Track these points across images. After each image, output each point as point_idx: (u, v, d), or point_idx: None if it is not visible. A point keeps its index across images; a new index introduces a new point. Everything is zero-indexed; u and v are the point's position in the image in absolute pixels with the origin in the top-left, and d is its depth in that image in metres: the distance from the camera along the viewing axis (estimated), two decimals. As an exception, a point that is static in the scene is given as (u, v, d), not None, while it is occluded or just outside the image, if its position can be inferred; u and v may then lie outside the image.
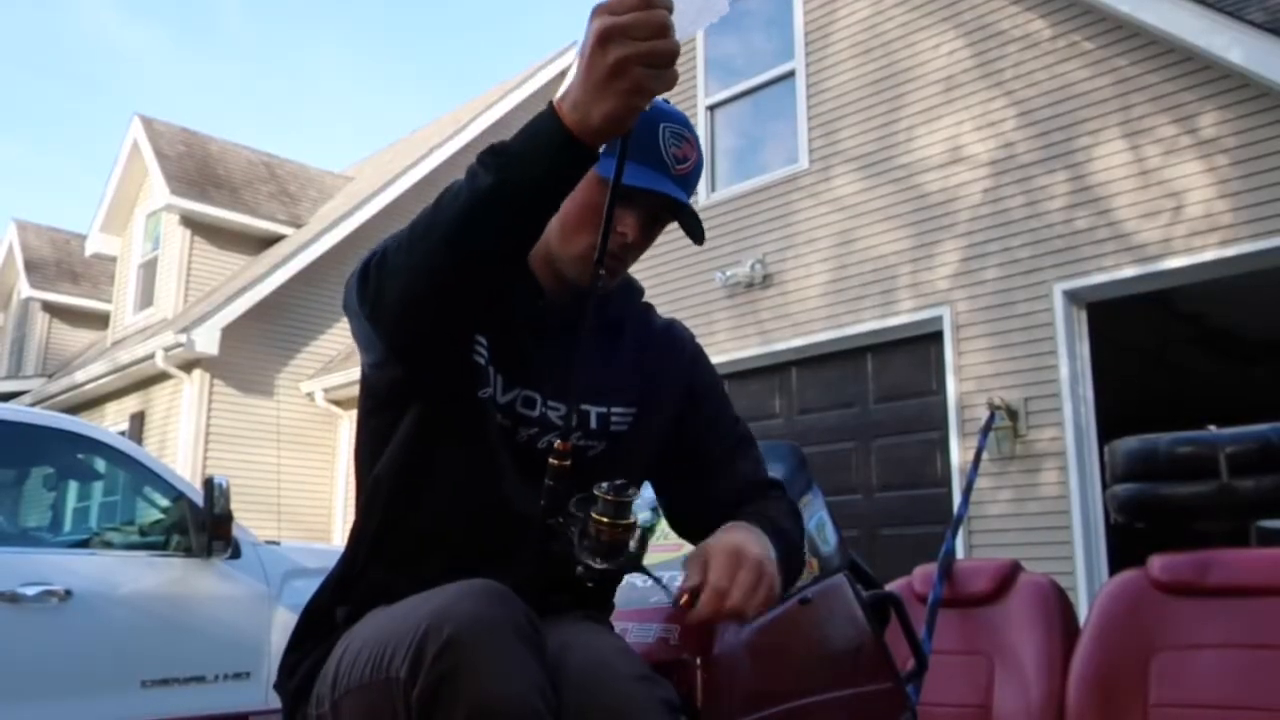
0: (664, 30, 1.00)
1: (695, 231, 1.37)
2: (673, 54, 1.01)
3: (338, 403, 10.88)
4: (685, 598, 1.17)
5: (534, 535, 1.17)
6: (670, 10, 1.01)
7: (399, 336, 1.21)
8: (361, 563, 1.38)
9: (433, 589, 1.16)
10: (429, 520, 1.34)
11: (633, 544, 1.14)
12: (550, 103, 1.08)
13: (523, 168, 1.08)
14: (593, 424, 1.39)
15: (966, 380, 6.01)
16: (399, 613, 1.17)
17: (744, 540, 1.24)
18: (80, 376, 11.60)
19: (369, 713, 1.15)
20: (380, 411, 1.37)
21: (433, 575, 1.21)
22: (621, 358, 1.45)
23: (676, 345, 1.54)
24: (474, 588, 1.12)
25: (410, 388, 1.32)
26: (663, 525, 1.63)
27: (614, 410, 1.42)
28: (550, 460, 1.15)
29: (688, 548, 1.46)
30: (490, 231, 1.10)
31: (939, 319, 6.21)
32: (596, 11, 1.01)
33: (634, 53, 0.99)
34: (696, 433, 1.49)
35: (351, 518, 1.47)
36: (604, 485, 1.12)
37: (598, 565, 1.12)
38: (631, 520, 1.13)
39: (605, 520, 1.11)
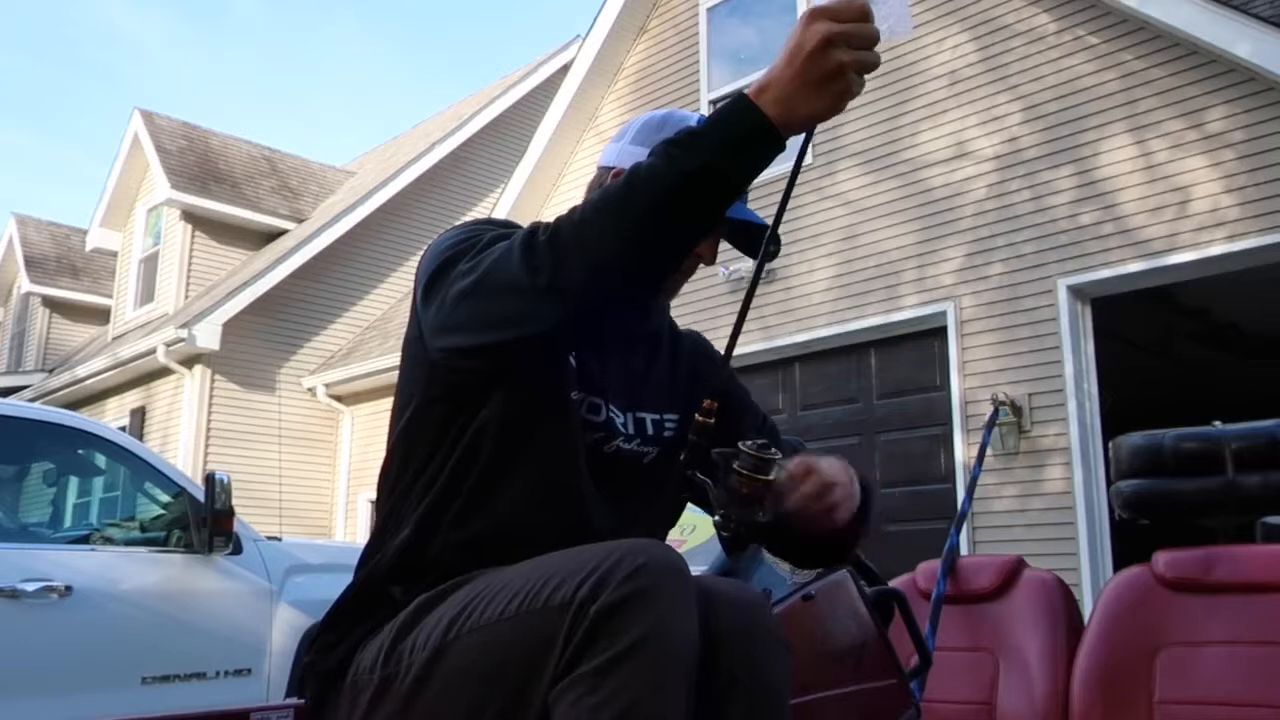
0: (875, 41, 1.10)
1: (755, 250, 1.39)
2: (876, 65, 1.11)
3: (339, 398, 10.86)
4: (791, 472, 1.25)
5: (607, 535, 1.18)
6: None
7: (579, 309, 1.19)
8: (431, 544, 1.35)
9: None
10: (508, 510, 1.33)
11: (763, 514, 1.22)
12: (744, 94, 1.13)
13: (728, 153, 1.12)
14: (649, 430, 1.44)
15: (971, 376, 6.00)
16: (559, 557, 1.17)
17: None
18: (81, 372, 11.61)
19: (498, 647, 1.14)
20: (447, 400, 1.35)
21: (510, 559, 1.23)
22: (663, 366, 1.51)
23: (703, 350, 1.60)
24: (654, 541, 1.16)
25: (512, 376, 1.31)
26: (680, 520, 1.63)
27: (666, 417, 1.46)
28: (696, 417, 1.22)
29: (689, 543, 1.45)
30: (689, 212, 1.14)
31: (943, 314, 6.19)
32: (817, 14, 1.09)
33: (852, 59, 1.09)
34: (735, 429, 1.50)
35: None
36: (749, 441, 1.20)
37: (731, 514, 1.21)
38: (770, 478, 1.20)
39: (745, 473, 1.19)
